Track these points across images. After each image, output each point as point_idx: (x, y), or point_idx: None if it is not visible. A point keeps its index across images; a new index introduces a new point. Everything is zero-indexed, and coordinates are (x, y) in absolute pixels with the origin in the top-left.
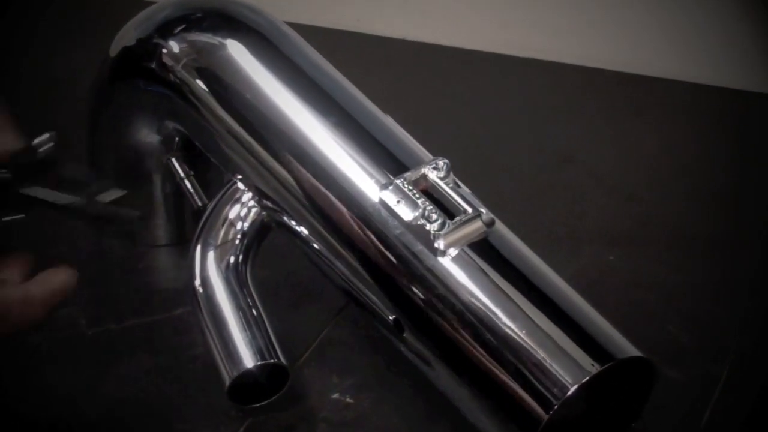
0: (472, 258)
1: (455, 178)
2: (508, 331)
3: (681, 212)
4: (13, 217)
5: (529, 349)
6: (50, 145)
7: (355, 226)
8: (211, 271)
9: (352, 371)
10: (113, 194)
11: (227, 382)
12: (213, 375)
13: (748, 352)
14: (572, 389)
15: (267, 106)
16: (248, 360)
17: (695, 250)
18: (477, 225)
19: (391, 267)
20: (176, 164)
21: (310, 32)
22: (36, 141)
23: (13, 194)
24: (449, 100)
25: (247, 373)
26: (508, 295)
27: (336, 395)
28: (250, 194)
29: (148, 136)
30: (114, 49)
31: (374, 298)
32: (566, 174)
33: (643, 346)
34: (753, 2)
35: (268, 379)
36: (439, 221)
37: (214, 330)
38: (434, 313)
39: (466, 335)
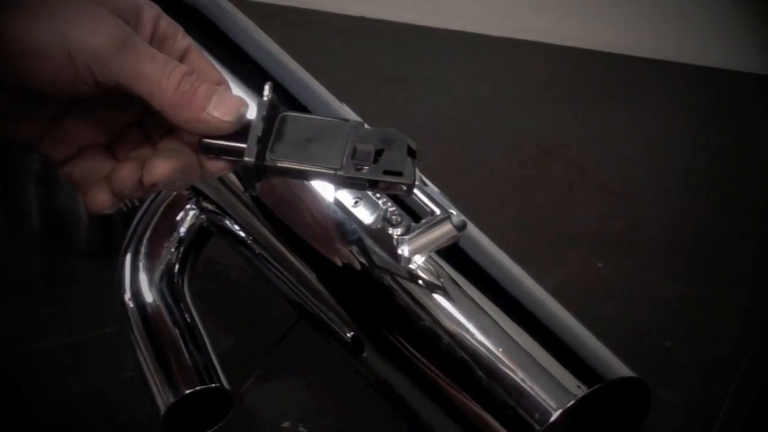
0: (440, 266)
1: (422, 175)
2: (483, 349)
3: (679, 212)
4: None
5: (507, 369)
6: None
7: (308, 231)
8: (142, 283)
9: (306, 396)
10: None
11: (162, 409)
12: (147, 401)
13: (754, 369)
14: (555, 414)
15: None
16: (186, 384)
17: (694, 256)
18: (446, 228)
19: (349, 278)
20: None
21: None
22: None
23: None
24: (414, 84)
25: (185, 400)
26: (482, 309)
27: (287, 424)
28: (186, 195)
29: None
30: None
31: (330, 313)
32: (549, 168)
33: (636, 364)
34: None
35: (209, 406)
36: (403, 224)
37: (147, 350)
38: (399, 331)
39: (436, 355)
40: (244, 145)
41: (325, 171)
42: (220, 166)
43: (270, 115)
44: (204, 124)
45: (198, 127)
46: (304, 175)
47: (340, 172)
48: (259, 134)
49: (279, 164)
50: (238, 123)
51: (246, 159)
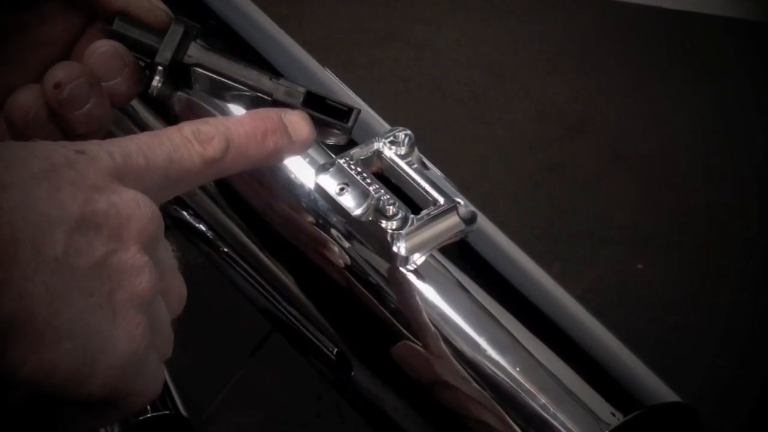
0: (445, 267)
1: (421, 155)
2: (497, 370)
3: (735, 202)
4: None
5: (527, 394)
6: None
7: (283, 223)
8: None
9: (277, 423)
10: None
11: None
12: None
13: None
14: None
15: None
16: (135, 412)
17: (755, 256)
18: (452, 221)
19: (333, 281)
20: None
21: None
22: None
23: None
24: (414, 47)
25: (136, 429)
26: (495, 319)
27: None
28: None
29: None
30: None
31: (309, 326)
32: (576, 148)
33: (683, 387)
34: None
35: None
36: (400, 216)
37: None
38: (393, 346)
39: (439, 376)
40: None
41: (253, 84)
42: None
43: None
44: None
45: None
46: (225, 87)
47: (273, 95)
48: (180, 37)
49: (198, 63)
50: None
51: (160, 56)
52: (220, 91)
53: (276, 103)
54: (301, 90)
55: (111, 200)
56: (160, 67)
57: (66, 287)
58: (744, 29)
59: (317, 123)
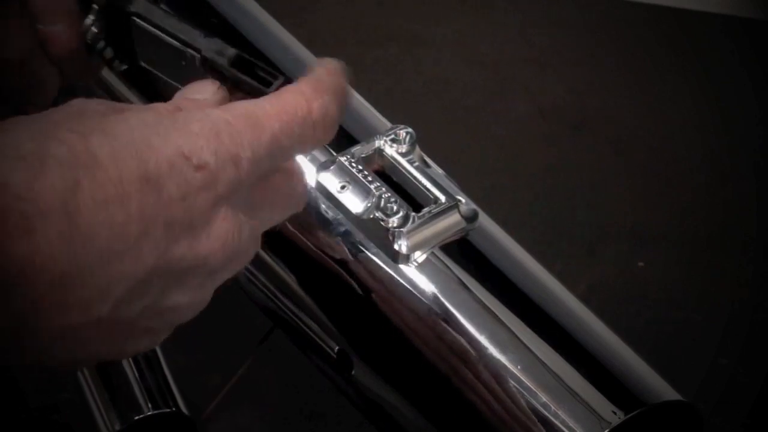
0: (446, 265)
1: (423, 153)
2: (498, 368)
3: (737, 201)
4: None
5: (528, 393)
6: None
7: (284, 221)
8: None
9: (277, 421)
10: None
11: None
12: (90, 429)
13: None
14: None
15: None
16: (137, 408)
17: (757, 253)
18: (453, 219)
19: (334, 279)
20: None
21: None
22: None
23: None
24: (415, 45)
25: (136, 427)
26: (496, 317)
27: None
28: None
29: None
30: None
31: (311, 323)
32: (578, 145)
33: (685, 386)
34: None
35: None
36: (401, 214)
37: (89, 369)
38: (394, 345)
39: (439, 373)
40: None
41: (185, 38)
42: None
43: None
44: None
45: None
46: (161, 45)
47: (202, 51)
48: None
49: (136, 12)
50: None
51: None
52: (158, 53)
53: (204, 61)
54: (232, 51)
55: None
56: (95, 5)
57: None
58: (743, 27)
59: (241, 85)
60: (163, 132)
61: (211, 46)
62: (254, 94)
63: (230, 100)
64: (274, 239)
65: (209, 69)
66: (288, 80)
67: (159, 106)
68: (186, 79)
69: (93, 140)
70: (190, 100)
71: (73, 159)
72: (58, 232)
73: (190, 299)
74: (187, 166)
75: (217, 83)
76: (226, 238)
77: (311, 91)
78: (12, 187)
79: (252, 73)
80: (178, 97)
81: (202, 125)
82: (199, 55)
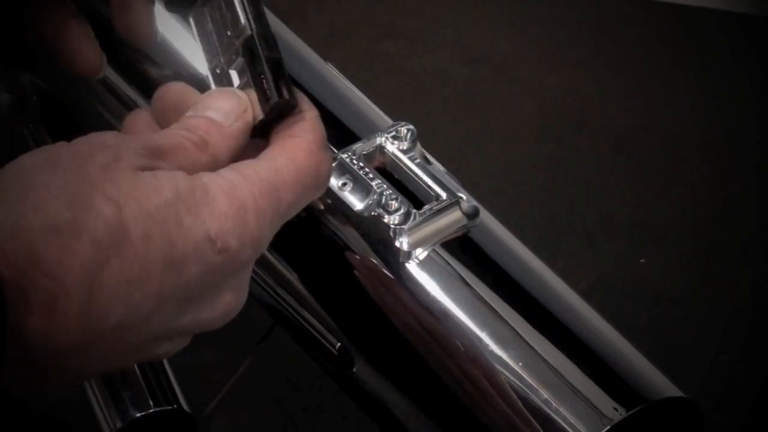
0: (447, 262)
1: (424, 150)
2: (499, 365)
3: (738, 199)
4: None
5: (529, 389)
6: None
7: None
8: None
9: (278, 420)
10: None
11: None
12: (90, 426)
13: None
14: None
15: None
16: (138, 406)
17: (758, 250)
18: (454, 216)
19: (336, 276)
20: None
21: None
22: None
23: None
24: (416, 43)
25: (138, 424)
26: (498, 314)
27: None
28: None
29: None
30: None
31: (312, 320)
32: (579, 143)
33: (686, 382)
34: None
35: None
36: (402, 212)
37: None
38: (395, 342)
39: (441, 370)
40: None
41: (254, 10)
42: None
43: None
44: None
45: None
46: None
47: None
48: None
49: None
50: None
51: None
52: (216, 5)
53: (251, 41)
54: (278, 54)
55: None
56: None
57: None
58: (742, 24)
59: (254, 82)
60: (194, 208)
61: (266, 34)
62: (259, 96)
63: None
64: (276, 236)
65: (245, 49)
66: (284, 100)
67: (190, 148)
68: (215, 48)
69: (127, 214)
70: (217, 125)
71: (106, 237)
72: (78, 310)
73: (177, 346)
74: (211, 249)
75: (246, 106)
76: (227, 309)
77: (317, 149)
78: (42, 264)
79: (275, 81)
80: (203, 109)
81: (230, 203)
82: (250, 32)
